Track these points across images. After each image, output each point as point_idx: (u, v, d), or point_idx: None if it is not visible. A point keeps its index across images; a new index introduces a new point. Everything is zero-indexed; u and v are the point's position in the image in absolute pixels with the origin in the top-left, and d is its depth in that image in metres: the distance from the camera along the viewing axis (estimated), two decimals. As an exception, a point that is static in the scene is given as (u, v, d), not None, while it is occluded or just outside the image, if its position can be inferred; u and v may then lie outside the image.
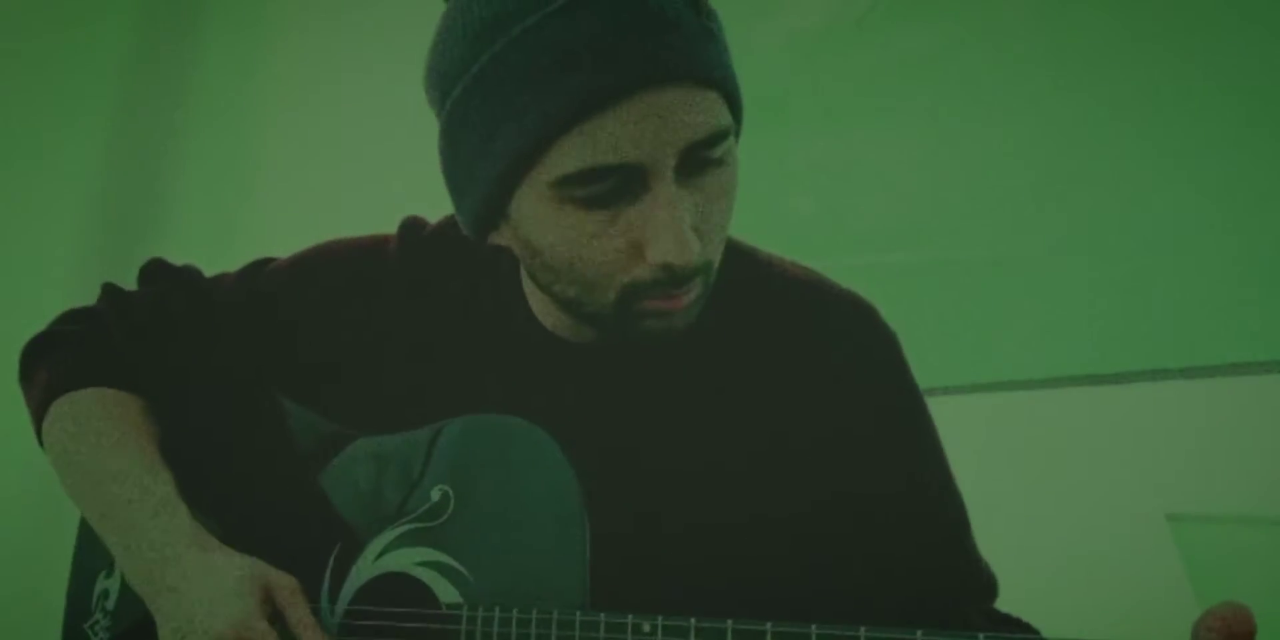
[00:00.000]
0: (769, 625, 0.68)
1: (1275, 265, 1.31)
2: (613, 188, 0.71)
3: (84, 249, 2.12)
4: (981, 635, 0.62)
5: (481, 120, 0.72)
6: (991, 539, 0.89)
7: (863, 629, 0.65)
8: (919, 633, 0.64)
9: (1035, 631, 0.83)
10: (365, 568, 0.86)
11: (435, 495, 0.84)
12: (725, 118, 0.73)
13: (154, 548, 0.83)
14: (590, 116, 0.69)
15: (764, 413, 0.86)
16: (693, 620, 0.71)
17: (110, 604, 0.98)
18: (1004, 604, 0.87)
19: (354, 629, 0.84)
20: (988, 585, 0.87)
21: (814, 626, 0.67)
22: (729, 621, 0.70)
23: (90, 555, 1.00)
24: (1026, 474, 1.43)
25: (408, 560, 0.84)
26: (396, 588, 0.84)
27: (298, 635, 0.79)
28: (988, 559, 0.88)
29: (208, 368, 0.96)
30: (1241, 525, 1.38)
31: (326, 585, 0.88)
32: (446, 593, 0.81)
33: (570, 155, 0.70)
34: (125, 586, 0.90)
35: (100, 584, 0.99)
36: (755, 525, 0.84)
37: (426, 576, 0.83)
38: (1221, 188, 1.33)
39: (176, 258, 1.03)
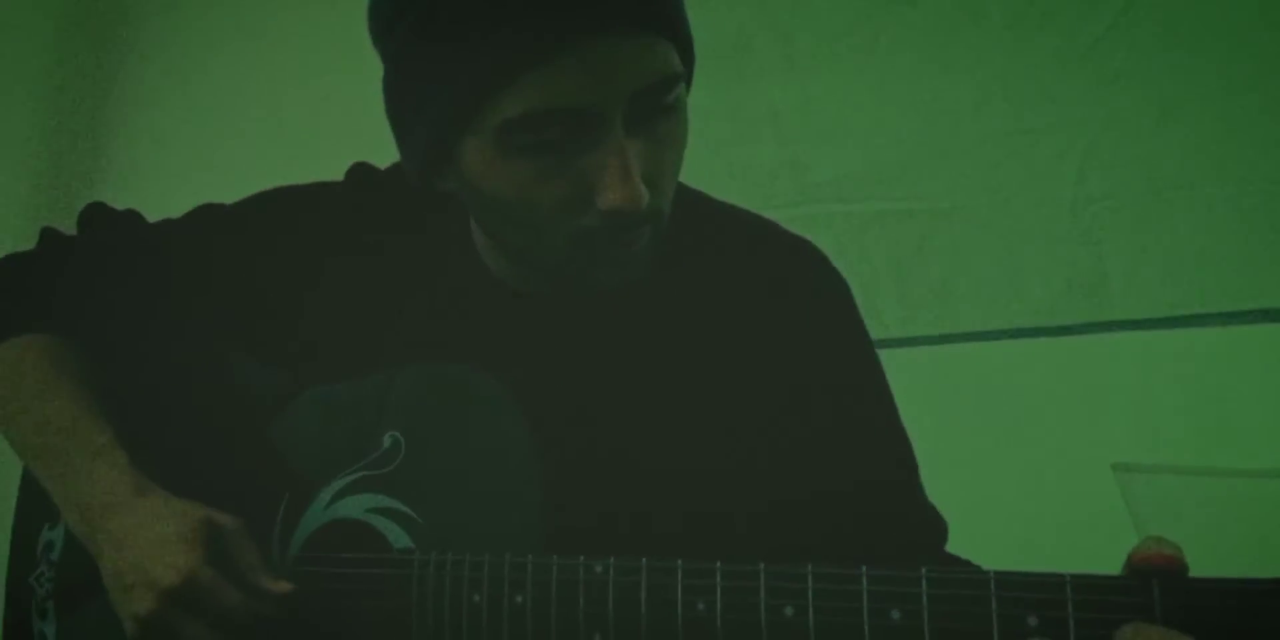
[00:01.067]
0: (718, 564, 0.69)
1: (1227, 216, 1.33)
2: (561, 134, 0.70)
3: (21, 193, 2.06)
4: (924, 569, 0.63)
5: (428, 61, 0.71)
6: (942, 488, 0.90)
7: (810, 566, 0.66)
8: (864, 569, 0.64)
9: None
10: (316, 515, 0.86)
11: (386, 442, 0.83)
12: (676, 64, 0.72)
13: (94, 495, 0.81)
14: (539, 59, 0.67)
15: (714, 360, 0.86)
16: (644, 560, 0.71)
17: (55, 555, 0.96)
18: (953, 549, 0.88)
19: (305, 576, 0.83)
20: (937, 529, 0.88)
21: (762, 565, 0.67)
22: (679, 561, 0.70)
23: (33, 506, 0.98)
24: (979, 424, 1.45)
25: (359, 507, 0.83)
26: (349, 535, 0.83)
27: (244, 577, 0.78)
28: (938, 507, 0.89)
29: (149, 315, 0.94)
30: (1186, 475, 1.41)
31: (278, 533, 0.87)
32: (399, 538, 0.81)
33: (518, 99, 0.69)
34: (70, 537, 0.88)
35: (44, 535, 0.98)
36: (706, 470, 0.84)
37: (378, 523, 0.82)
38: (1187, 137, 1.34)
39: (118, 203, 1.01)
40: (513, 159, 0.71)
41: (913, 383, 0.95)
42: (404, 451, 0.83)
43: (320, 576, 0.83)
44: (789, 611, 0.65)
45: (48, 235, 0.97)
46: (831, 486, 0.84)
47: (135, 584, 0.77)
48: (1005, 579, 0.60)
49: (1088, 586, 0.58)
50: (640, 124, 0.71)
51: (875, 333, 0.91)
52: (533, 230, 0.74)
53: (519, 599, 0.75)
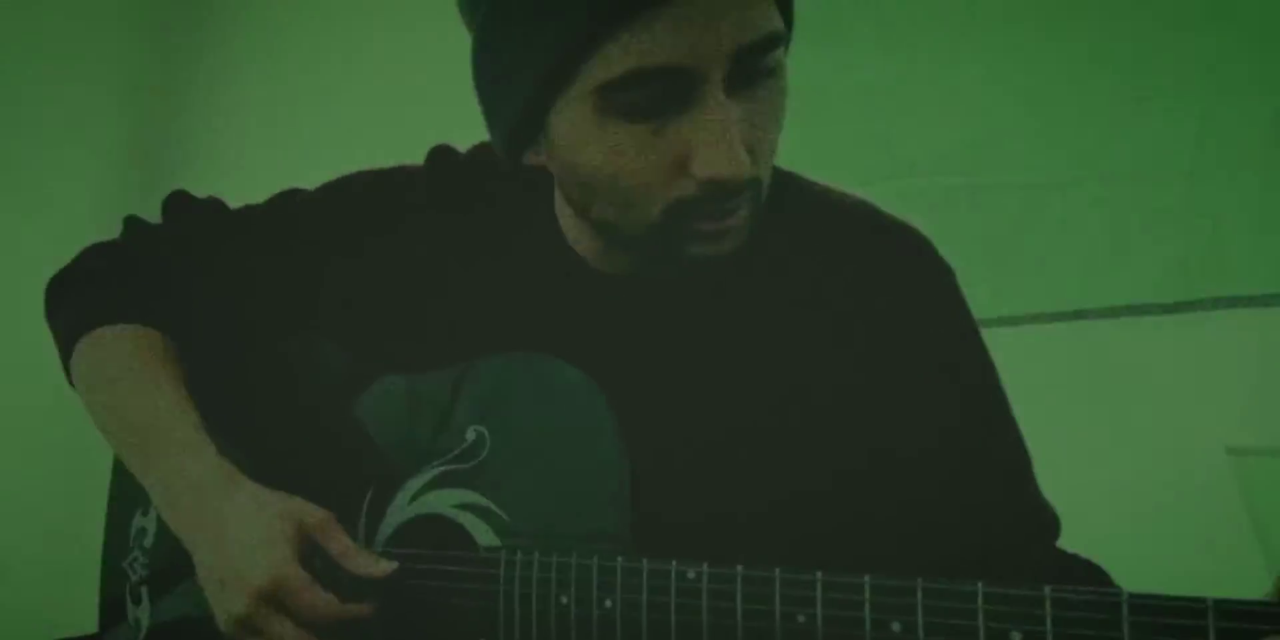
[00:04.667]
0: (818, 574, 0.65)
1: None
2: (659, 95, 0.66)
3: (107, 182, 2.09)
4: (1048, 588, 0.58)
5: (521, 24, 0.68)
6: (1051, 475, 0.85)
7: (920, 580, 0.62)
8: (980, 585, 0.60)
9: (1101, 570, 0.79)
10: (400, 510, 0.84)
11: (470, 436, 0.81)
12: (778, 22, 0.68)
13: (185, 489, 0.81)
14: (638, 16, 0.64)
15: (812, 348, 0.81)
16: (739, 568, 0.68)
17: (148, 541, 0.97)
18: (1066, 542, 0.83)
19: (391, 572, 0.81)
20: (1050, 524, 0.83)
21: (867, 577, 0.63)
22: (777, 570, 0.66)
23: (126, 492, 0.99)
24: (1084, 407, 1.38)
25: (444, 502, 0.82)
26: (433, 531, 0.82)
27: (342, 565, 0.77)
28: (1048, 496, 0.84)
29: (234, 302, 0.93)
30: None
31: (363, 528, 0.86)
32: (484, 536, 0.79)
33: (615, 59, 0.65)
34: (162, 524, 0.88)
35: (137, 521, 0.98)
36: (805, 464, 0.80)
37: (463, 519, 0.80)
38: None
39: (201, 191, 1.00)
40: (607, 125, 0.68)
41: (1015, 363, 0.90)
42: (488, 445, 0.80)
43: (406, 574, 0.81)
44: (896, 627, 0.62)
45: (131, 224, 0.97)
46: (940, 482, 0.80)
47: (227, 581, 0.76)
48: (1139, 602, 0.55)
49: (1232, 613, 0.53)
50: (741, 87, 0.67)
51: (974, 310, 0.85)
52: (625, 203, 0.71)
53: (608, 603, 0.72)
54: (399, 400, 0.86)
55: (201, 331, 0.94)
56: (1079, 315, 1.40)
